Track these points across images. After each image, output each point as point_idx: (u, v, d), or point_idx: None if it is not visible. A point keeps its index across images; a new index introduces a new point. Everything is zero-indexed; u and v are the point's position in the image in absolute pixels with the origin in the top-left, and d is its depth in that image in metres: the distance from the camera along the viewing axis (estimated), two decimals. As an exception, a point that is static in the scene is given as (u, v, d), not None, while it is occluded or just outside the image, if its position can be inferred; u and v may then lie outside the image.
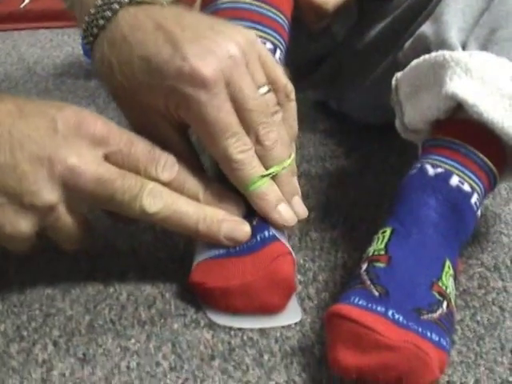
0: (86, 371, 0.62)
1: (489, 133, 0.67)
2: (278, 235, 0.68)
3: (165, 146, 0.68)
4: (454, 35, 0.71)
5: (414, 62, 0.73)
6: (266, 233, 0.68)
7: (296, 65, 0.78)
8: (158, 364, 0.62)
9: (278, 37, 0.77)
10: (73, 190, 0.62)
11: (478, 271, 0.75)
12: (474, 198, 0.67)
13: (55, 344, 0.65)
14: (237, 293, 0.66)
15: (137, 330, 0.66)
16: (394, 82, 0.77)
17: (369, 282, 0.62)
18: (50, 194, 0.61)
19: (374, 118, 1.04)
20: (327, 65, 1.05)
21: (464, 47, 0.71)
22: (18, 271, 0.75)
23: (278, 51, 0.77)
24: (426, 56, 0.72)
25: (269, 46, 0.75)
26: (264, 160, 0.68)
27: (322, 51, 1.03)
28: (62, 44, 1.63)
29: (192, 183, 0.68)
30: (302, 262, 0.76)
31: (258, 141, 0.67)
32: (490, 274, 0.74)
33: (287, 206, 0.69)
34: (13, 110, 0.63)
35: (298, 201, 0.72)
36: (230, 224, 0.67)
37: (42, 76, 1.41)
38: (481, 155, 0.68)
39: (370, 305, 0.59)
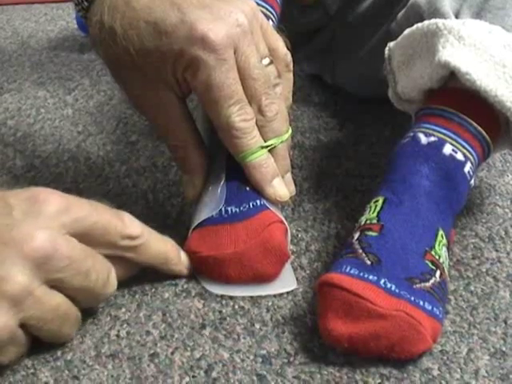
0: (76, 340, 0.61)
1: (482, 101, 0.67)
2: (268, 205, 0.68)
3: (162, 113, 0.68)
4: (447, 3, 0.71)
5: (407, 31, 0.73)
6: (258, 201, 0.68)
7: (289, 37, 0.77)
8: (148, 333, 0.62)
9: (269, 8, 0.77)
10: (46, 270, 0.55)
11: (473, 242, 0.74)
12: (468, 167, 0.67)
13: (45, 313, 0.64)
14: (230, 261, 0.65)
15: (127, 299, 0.66)
16: (386, 51, 0.76)
17: (361, 251, 0.61)
18: (21, 276, 0.54)
19: (368, 90, 1.03)
20: (320, 37, 1.04)
21: (457, 16, 0.71)
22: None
23: (270, 22, 0.76)
24: (419, 24, 0.71)
25: None
26: (264, 131, 0.67)
27: (315, 24, 1.03)
28: (57, 18, 1.62)
29: None
30: (294, 232, 0.75)
31: (260, 111, 0.66)
32: (485, 245, 0.74)
33: (281, 181, 0.69)
34: None
35: (289, 178, 0.71)
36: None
37: (35, 50, 1.40)
38: (474, 124, 0.67)
39: (361, 273, 0.59)
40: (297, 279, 0.68)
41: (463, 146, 0.67)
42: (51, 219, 0.56)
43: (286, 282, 0.67)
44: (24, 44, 1.44)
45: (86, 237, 0.58)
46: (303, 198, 0.81)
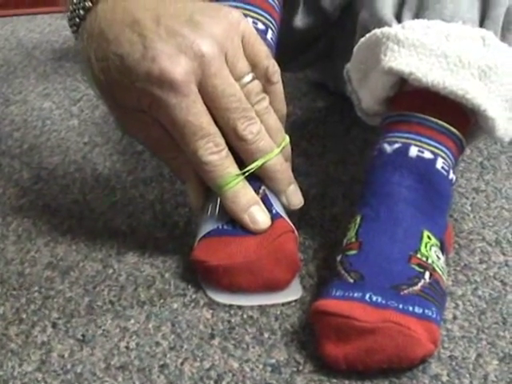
0: (85, 352, 0.61)
1: (440, 96, 0.66)
2: (281, 213, 0.68)
3: (144, 135, 0.69)
4: (388, 11, 0.71)
5: (356, 48, 0.73)
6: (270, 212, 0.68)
7: (288, 45, 0.76)
8: (157, 344, 0.62)
9: (269, 17, 0.76)
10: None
11: (480, 246, 0.74)
12: (440, 163, 0.67)
13: (54, 326, 0.65)
14: (241, 271, 0.65)
15: (136, 311, 0.66)
16: (345, 73, 0.77)
17: (343, 272, 0.62)
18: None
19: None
20: (321, 45, 1.04)
21: (400, 20, 0.71)
22: (16, 253, 0.75)
23: (270, 32, 0.76)
24: (362, 39, 0.72)
25: (260, 26, 0.75)
26: (248, 154, 0.67)
27: (316, 31, 1.02)
28: (61, 28, 1.62)
29: None
30: (302, 239, 0.75)
31: (238, 137, 0.65)
32: (492, 249, 0.74)
33: (260, 208, 0.68)
34: None
35: (293, 190, 0.71)
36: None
37: (40, 60, 1.41)
38: (433, 119, 0.67)
39: (346, 293, 0.60)
40: (304, 287, 0.68)
41: (429, 144, 0.67)
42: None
43: (293, 290, 0.68)
44: (29, 55, 1.45)
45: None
46: (310, 206, 0.81)
